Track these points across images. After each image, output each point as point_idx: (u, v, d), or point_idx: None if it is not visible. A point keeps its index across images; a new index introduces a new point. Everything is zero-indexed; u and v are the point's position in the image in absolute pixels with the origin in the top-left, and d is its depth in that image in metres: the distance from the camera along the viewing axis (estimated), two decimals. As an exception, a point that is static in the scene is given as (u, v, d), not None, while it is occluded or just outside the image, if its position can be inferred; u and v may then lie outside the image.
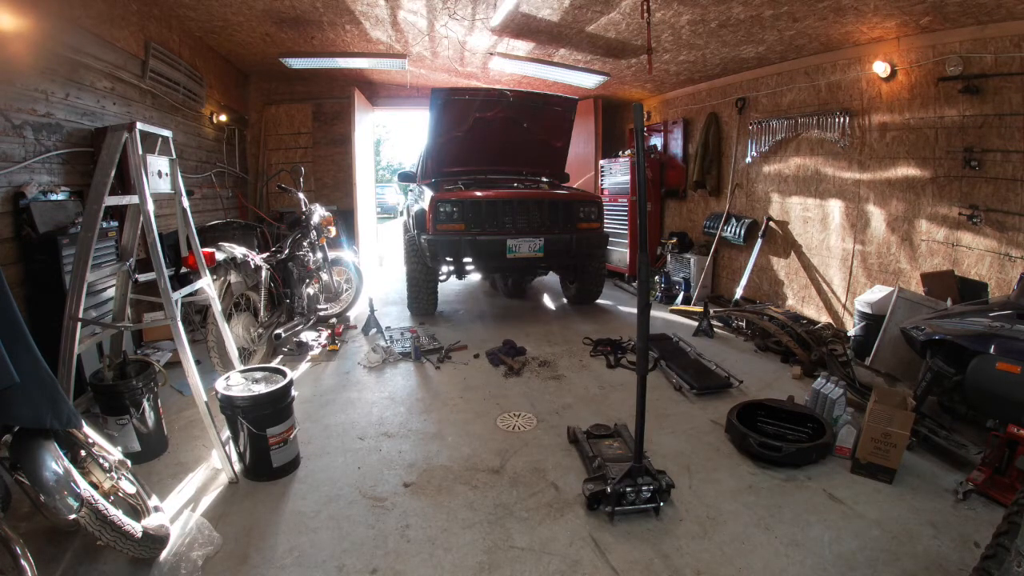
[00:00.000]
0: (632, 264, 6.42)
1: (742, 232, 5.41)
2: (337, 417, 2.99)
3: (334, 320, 4.45)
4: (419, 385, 3.51)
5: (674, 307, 5.46)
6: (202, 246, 2.79)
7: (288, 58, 5.54)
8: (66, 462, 1.53)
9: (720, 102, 5.76)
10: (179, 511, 2.08)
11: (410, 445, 2.68)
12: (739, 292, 5.34)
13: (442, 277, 5.10)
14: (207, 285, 2.76)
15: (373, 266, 7.53)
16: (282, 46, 5.36)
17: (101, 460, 1.83)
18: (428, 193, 4.64)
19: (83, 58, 3.36)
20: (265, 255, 3.84)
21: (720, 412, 2.92)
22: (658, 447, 2.62)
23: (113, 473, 1.84)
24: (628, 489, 2.04)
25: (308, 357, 3.93)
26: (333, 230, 4.73)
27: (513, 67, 5.67)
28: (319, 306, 4.46)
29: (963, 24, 3.36)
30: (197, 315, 4.15)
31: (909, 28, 3.61)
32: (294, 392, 2.44)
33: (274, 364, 3.04)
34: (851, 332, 3.93)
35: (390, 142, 30.66)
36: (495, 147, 5.43)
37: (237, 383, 2.39)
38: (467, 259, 4.63)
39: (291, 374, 2.46)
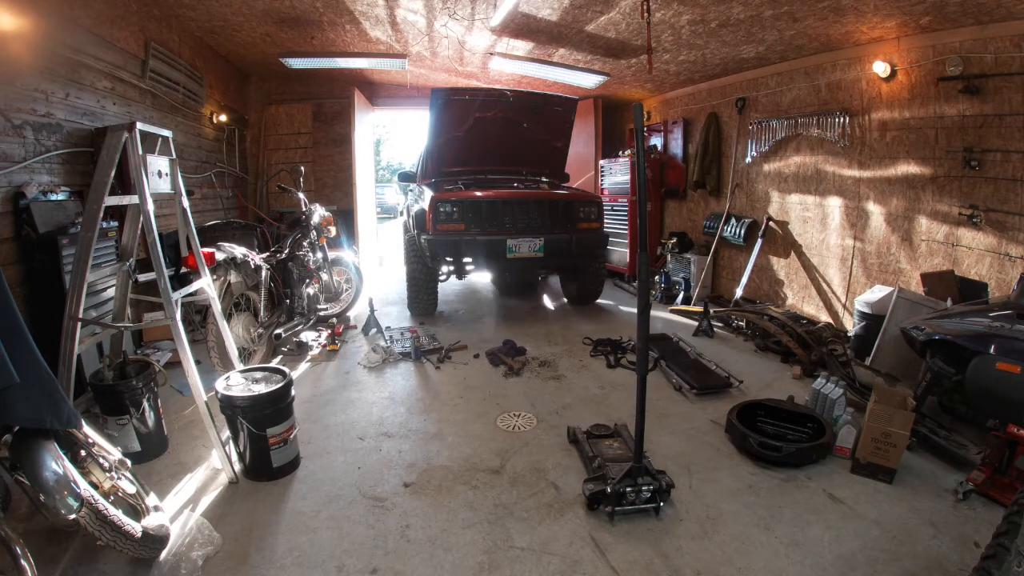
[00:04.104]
0: (632, 264, 6.42)
1: (742, 232, 5.41)
2: (337, 417, 2.99)
3: (334, 320, 4.45)
4: (419, 385, 3.51)
5: (674, 307, 5.46)
6: (202, 246, 2.79)
7: (288, 58, 5.54)
8: (66, 462, 1.53)
9: (720, 102, 5.76)
10: (179, 511, 2.08)
11: (410, 445, 2.68)
12: (739, 292, 5.34)
13: (442, 277, 5.10)
14: (207, 285, 2.76)
15: (373, 266, 7.53)
16: (282, 46, 5.36)
17: (101, 460, 1.83)
18: (428, 193, 4.64)
19: (83, 58, 3.36)
20: (265, 255, 3.84)
21: (720, 412, 2.92)
22: (658, 447, 2.62)
23: (113, 473, 1.83)
24: (628, 489, 2.04)
25: (308, 357, 3.93)
26: (333, 230, 4.72)
27: (513, 67, 5.67)
28: (319, 306, 4.46)
29: (963, 24, 3.36)
30: (197, 315, 4.15)
31: (909, 28, 3.61)
32: (294, 392, 2.44)
33: (274, 364, 3.05)
34: (851, 332, 3.93)
35: (390, 142, 30.68)
36: (495, 147, 5.43)
37: (237, 383, 2.39)
38: (467, 259, 4.62)
39: (291, 374, 2.46)
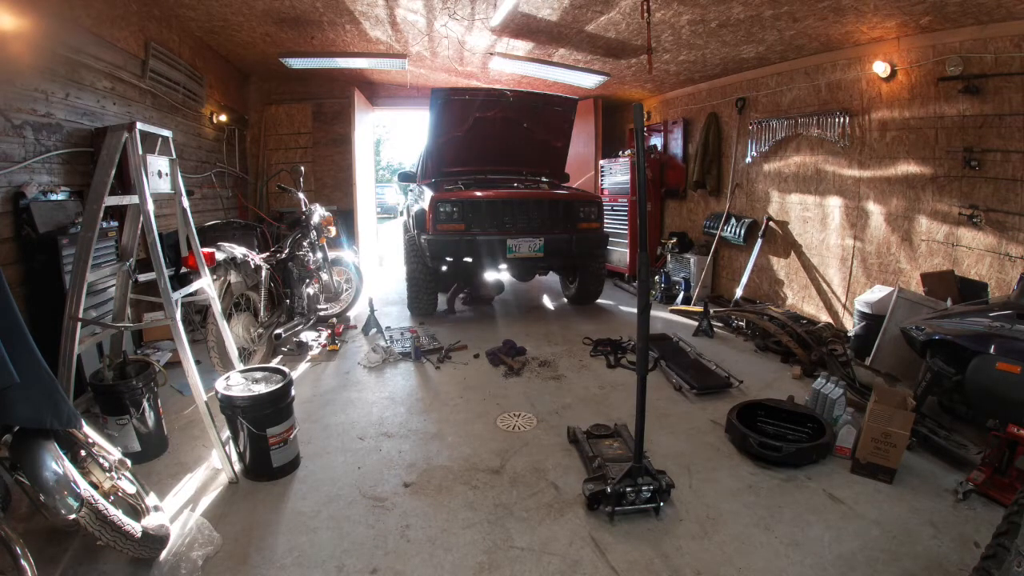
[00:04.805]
0: (632, 264, 6.42)
1: (742, 232, 5.41)
2: (337, 417, 2.99)
3: (334, 320, 4.45)
4: (419, 385, 3.51)
5: (674, 307, 5.46)
6: (202, 246, 2.79)
7: (288, 58, 5.54)
8: (66, 462, 1.53)
9: (720, 102, 5.76)
10: (179, 511, 2.08)
11: (410, 445, 2.68)
12: (739, 292, 5.34)
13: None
14: (207, 285, 2.76)
15: (373, 266, 7.53)
16: (282, 46, 5.36)
17: (101, 460, 1.83)
18: (428, 193, 4.64)
19: (83, 58, 3.36)
20: (265, 255, 3.84)
21: (720, 412, 2.92)
22: (658, 447, 2.62)
23: (113, 473, 1.83)
24: (628, 489, 2.04)
25: (308, 357, 3.93)
26: (333, 230, 4.73)
27: (513, 67, 5.67)
28: (319, 306, 4.46)
29: (963, 24, 3.36)
30: (197, 315, 4.15)
31: (909, 28, 3.61)
32: (294, 392, 2.44)
33: (274, 364, 3.05)
34: (851, 332, 3.93)
35: (390, 142, 30.68)
36: (495, 147, 5.43)
37: (237, 383, 2.39)
38: (467, 259, 4.63)
39: (291, 374, 2.46)
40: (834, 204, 4.54)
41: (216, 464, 2.42)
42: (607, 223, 6.10)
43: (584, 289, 5.49)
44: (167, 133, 2.56)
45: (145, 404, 2.45)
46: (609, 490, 2.04)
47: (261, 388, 2.34)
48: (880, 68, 3.90)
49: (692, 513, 2.12)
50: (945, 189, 3.66)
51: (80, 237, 2.20)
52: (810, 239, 4.82)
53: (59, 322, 2.16)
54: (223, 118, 5.83)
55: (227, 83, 6.15)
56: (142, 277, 2.54)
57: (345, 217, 6.59)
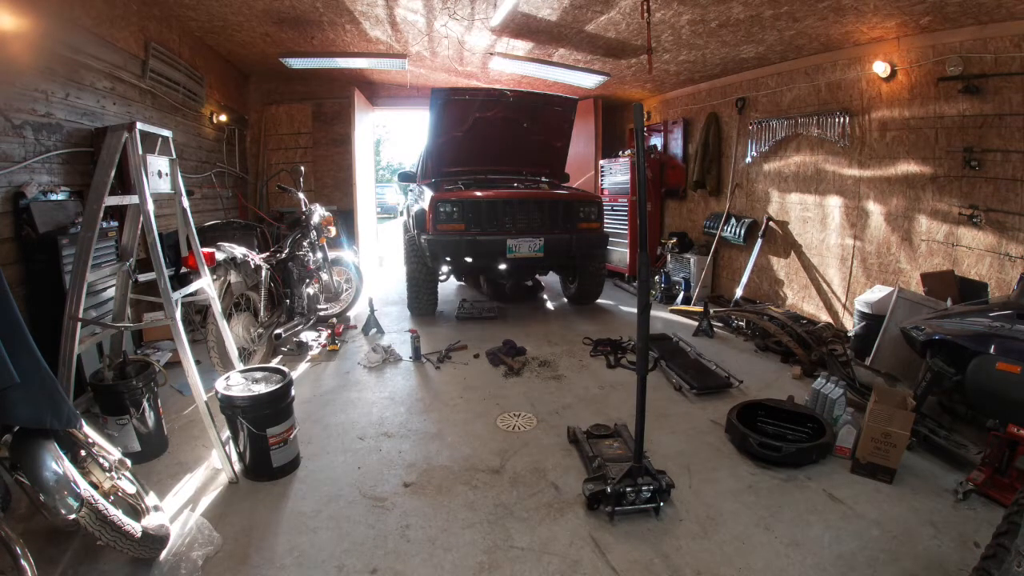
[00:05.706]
0: (632, 264, 6.42)
1: (742, 232, 5.41)
2: (337, 417, 2.99)
3: (334, 320, 4.45)
4: (419, 385, 3.51)
5: (674, 307, 5.46)
6: (202, 246, 2.79)
7: (288, 58, 5.54)
8: (66, 462, 1.53)
9: (720, 102, 5.76)
10: (179, 511, 2.08)
11: (410, 445, 2.68)
12: (739, 292, 5.34)
13: (442, 277, 5.10)
14: (207, 285, 2.76)
15: (373, 266, 7.53)
16: (282, 46, 5.36)
17: (101, 460, 1.83)
18: (428, 193, 4.64)
19: (83, 58, 3.36)
20: (265, 255, 3.84)
21: (720, 412, 2.92)
22: (658, 447, 2.62)
23: (113, 473, 1.83)
24: (628, 489, 2.04)
25: (308, 357, 3.93)
26: (333, 230, 4.73)
27: (513, 67, 5.67)
28: (319, 306, 4.46)
29: (963, 24, 3.36)
30: (197, 315, 4.15)
31: (909, 28, 3.61)
32: (294, 392, 2.44)
33: (274, 364, 3.04)
34: (851, 332, 3.93)
35: (390, 142, 30.70)
36: (495, 147, 5.43)
37: (237, 383, 2.39)
38: (467, 259, 4.63)
39: (291, 374, 2.46)
40: (834, 204, 4.54)
41: (216, 464, 2.42)
42: (607, 223, 6.10)
43: (584, 289, 5.48)
44: (167, 133, 2.57)
45: (145, 404, 2.45)
46: (609, 490, 2.04)
47: (261, 388, 2.34)
48: (880, 68, 3.90)
49: (692, 513, 2.12)
50: (945, 189, 3.66)
51: (80, 237, 2.20)
52: (810, 239, 4.82)
53: (59, 322, 2.16)
54: (223, 118, 5.83)
55: (227, 83, 6.15)
56: (142, 277, 2.54)
57: (345, 217, 6.58)
